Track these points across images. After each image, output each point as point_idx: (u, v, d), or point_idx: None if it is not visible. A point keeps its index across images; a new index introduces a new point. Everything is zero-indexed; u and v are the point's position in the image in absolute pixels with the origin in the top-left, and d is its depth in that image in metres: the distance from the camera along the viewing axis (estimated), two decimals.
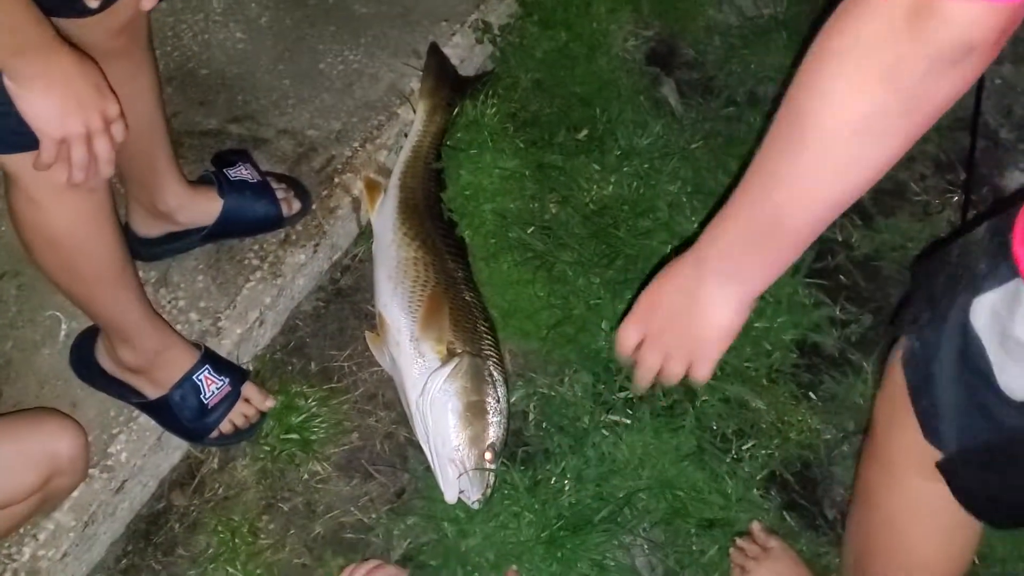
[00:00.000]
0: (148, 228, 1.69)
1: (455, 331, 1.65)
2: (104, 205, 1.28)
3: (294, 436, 1.65)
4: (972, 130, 1.79)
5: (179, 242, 1.73)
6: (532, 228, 1.87)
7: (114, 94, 1.16)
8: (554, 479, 1.61)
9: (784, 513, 1.65)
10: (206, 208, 1.70)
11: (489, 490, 1.56)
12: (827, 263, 1.91)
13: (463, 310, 1.69)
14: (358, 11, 2.13)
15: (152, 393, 1.56)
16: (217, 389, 1.58)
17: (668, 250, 1.83)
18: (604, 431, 1.67)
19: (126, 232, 1.69)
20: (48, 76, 1.08)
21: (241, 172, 1.76)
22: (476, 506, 1.55)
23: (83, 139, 1.12)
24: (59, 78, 1.09)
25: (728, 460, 1.66)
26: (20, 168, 1.17)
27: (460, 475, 1.54)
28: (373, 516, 1.61)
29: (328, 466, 1.65)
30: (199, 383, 1.56)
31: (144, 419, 1.60)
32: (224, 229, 1.73)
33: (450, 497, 1.55)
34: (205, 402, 1.57)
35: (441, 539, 1.57)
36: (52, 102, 1.09)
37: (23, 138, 1.11)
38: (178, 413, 1.56)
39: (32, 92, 1.07)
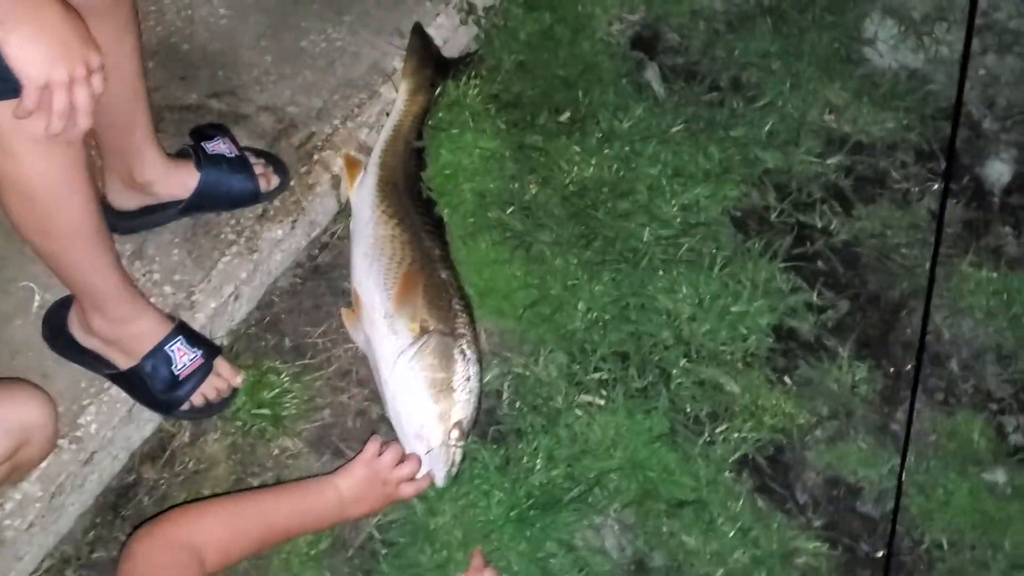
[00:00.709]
0: (125, 200, 1.69)
1: (429, 309, 1.65)
2: (79, 161, 1.27)
3: (265, 411, 1.64)
4: (954, 119, 1.79)
5: (155, 215, 1.72)
6: (511, 208, 1.86)
7: (97, 46, 1.16)
8: (525, 458, 1.61)
9: (755, 496, 1.65)
10: (183, 181, 1.70)
11: (455, 469, 1.55)
12: (806, 248, 1.91)
13: (438, 288, 1.68)
14: None
15: (123, 363, 1.55)
16: (189, 361, 1.57)
17: (646, 232, 1.82)
18: (577, 411, 1.67)
19: (102, 204, 1.69)
20: (35, 21, 1.08)
21: (219, 146, 1.75)
22: (441, 484, 1.54)
23: (65, 87, 1.12)
24: (46, 24, 1.09)
25: (701, 442, 1.66)
26: None
27: (425, 452, 1.53)
28: None
29: (299, 442, 1.65)
30: (171, 354, 1.55)
31: (115, 391, 1.59)
32: (201, 203, 1.73)
33: (423, 469, 1.54)
34: (176, 373, 1.57)
35: (410, 516, 1.57)
36: (38, 47, 1.09)
37: (3, 85, 1.11)
38: (149, 384, 1.56)
39: (19, 36, 1.07)
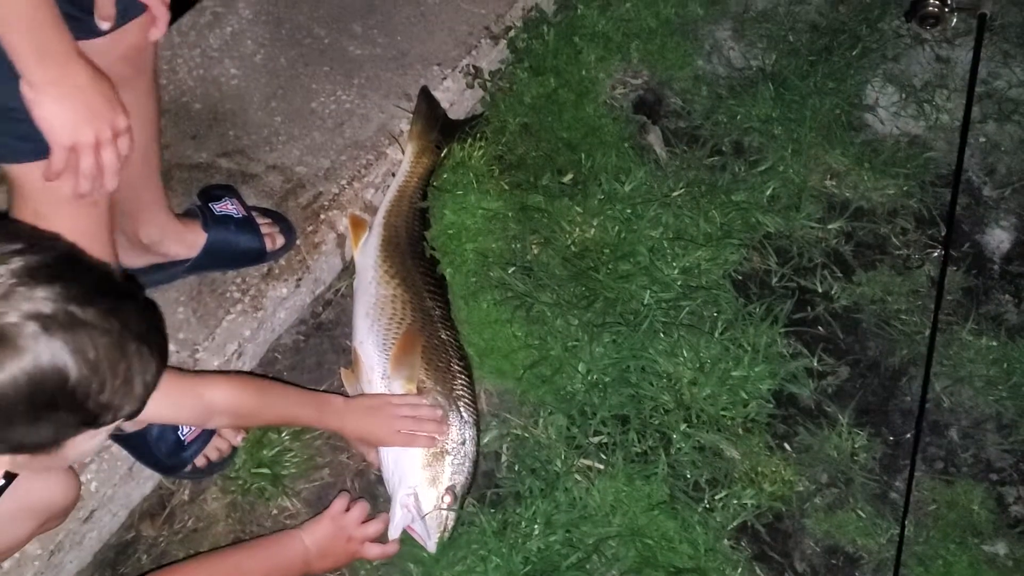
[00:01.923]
0: (131, 259, 1.71)
1: (428, 370, 1.66)
2: (105, 221, 1.31)
3: (265, 471, 1.65)
4: (953, 186, 1.81)
5: (162, 273, 1.74)
6: (513, 268, 1.88)
7: (124, 108, 1.19)
8: (523, 523, 1.60)
9: (754, 564, 1.64)
10: (190, 241, 1.72)
11: (447, 534, 1.55)
12: (806, 314, 1.92)
13: (437, 349, 1.69)
14: (352, 53, 2.17)
15: (129, 426, 1.56)
16: None
17: (647, 295, 1.84)
18: (576, 476, 1.67)
19: None
20: (64, 83, 1.11)
21: (227, 207, 1.78)
22: (432, 549, 1.54)
23: (92, 148, 1.15)
24: (74, 86, 1.12)
25: (700, 509, 1.66)
26: (28, 178, 1.20)
27: (404, 514, 1.54)
28: None
29: (297, 502, 1.65)
30: None
31: (116, 448, 1.60)
32: (207, 262, 1.75)
33: (392, 533, 1.55)
34: (182, 438, 1.58)
35: None
36: (65, 108, 1.12)
37: (33, 146, 1.15)
38: (154, 448, 1.57)
39: (48, 97, 1.11)
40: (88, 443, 1.01)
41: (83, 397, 0.92)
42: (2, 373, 0.87)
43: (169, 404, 1.37)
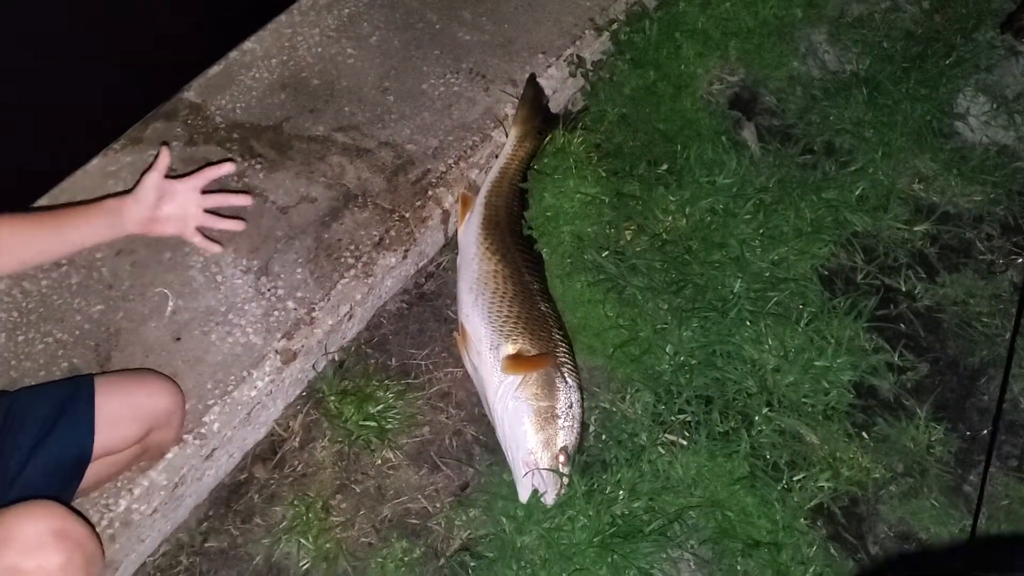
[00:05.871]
0: None
1: (531, 339, 1.75)
2: None
3: (371, 423, 1.77)
4: None
5: None
6: (607, 252, 1.97)
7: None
8: (609, 488, 1.70)
9: (829, 544, 1.71)
10: None
11: (563, 491, 1.65)
12: (889, 311, 1.98)
13: (539, 320, 1.79)
14: (462, 38, 2.28)
15: None
16: None
17: (737, 284, 1.91)
18: (660, 449, 1.76)
19: None
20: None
21: None
22: (551, 503, 1.64)
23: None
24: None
25: (779, 488, 1.73)
26: None
27: (529, 474, 1.63)
28: (437, 505, 1.72)
29: (400, 455, 1.77)
30: None
31: (237, 393, 1.72)
32: None
33: (522, 496, 1.65)
34: None
35: (499, 533, 1.67)
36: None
37: None
38: None
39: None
40: None
41: None
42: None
43: None
